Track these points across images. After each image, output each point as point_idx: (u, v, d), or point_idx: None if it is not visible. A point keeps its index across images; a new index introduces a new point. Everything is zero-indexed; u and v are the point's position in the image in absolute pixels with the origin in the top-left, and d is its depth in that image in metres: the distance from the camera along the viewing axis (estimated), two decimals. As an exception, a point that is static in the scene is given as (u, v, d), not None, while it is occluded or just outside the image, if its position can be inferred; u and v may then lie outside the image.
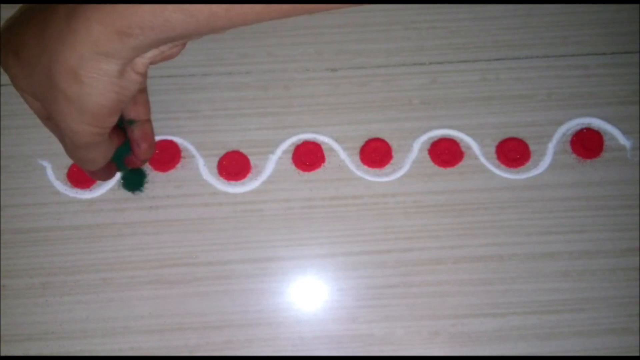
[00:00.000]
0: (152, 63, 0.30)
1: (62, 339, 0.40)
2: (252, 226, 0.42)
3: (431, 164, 0.42)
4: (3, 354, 0.40)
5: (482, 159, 0.42)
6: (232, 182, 0.42)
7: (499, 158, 0.42)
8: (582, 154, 0.42)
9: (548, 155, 0.42)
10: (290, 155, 0.42)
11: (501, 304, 0.41)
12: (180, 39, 0.29)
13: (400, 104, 0.43)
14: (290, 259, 0.41)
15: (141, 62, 0.30)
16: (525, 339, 0.40)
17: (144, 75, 0.31)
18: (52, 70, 0.29)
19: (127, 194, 0.42)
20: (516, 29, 0.44)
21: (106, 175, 0.39)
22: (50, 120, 0.33)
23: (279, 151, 0.42)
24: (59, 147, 0.42)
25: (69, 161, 0.42)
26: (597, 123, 0.42)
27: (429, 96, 0.43)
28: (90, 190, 0.42)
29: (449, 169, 0.42)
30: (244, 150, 0.42)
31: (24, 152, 0.42)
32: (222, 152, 0.42)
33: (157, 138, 0.42)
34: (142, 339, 0.40)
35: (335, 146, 0.42)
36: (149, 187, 0.42)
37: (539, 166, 0.42)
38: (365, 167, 0.42)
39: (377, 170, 0.42)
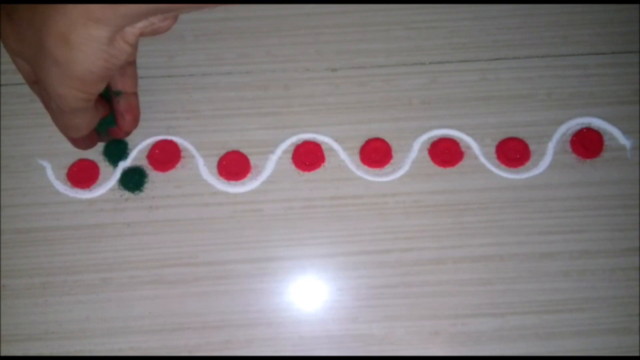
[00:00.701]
0: (142, 35, 0.31)
1: (62, 339, 0.40)
2: (252, 226, 0.42)
3: (431, 163, 0.42)
4: (3, 354, 0.40)
5: (482, 159, 0.42)
6: (232, 182, 0.42)
7: (499, 158, 0.42)
8: (582, 154, 0.42)
9: (548, 155, 0.42)
10: (290, 155, 0.42)
11: (501, 304, 0.41)
12: (170, 11, 0.30)
13: (400, 104, 0.43)
14: (290, 258, 0.41)
15: (131, 32, 0.30)
16: (525, 338, 0.40)
17: (134, 47, 0.31)
18: (42, 33, 0.29)
19: (127, 194, 0.42)
20: (516, 29, 0.44)
21: (88, 144, 0.39)
22: (38, 84, 0.34)
23: (279, 151, 0.42)
24: (59, 147, 0.42)
25: (69, 161, 0.42)
26: (597, 123, 0.42)
27: (429, 96, 0.43)
28: (90, 190, 0.42)
29: (448, 169, 0.42)
30: (243, 150, 0.42)
31: (24, 152, 0.42)
32: (222, 152, 0.42)
33: (157, 138, 0.42)
34: (142, 339, 0.40)
35: (335, 146, 0.42)
36: (149, 187, 0.42)
37: (539, 166, 0.42)
38: (365, 167, 0.42)
39: (377, 170, 0.42)
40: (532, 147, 0.42)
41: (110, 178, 0.42)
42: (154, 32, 0.31)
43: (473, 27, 0.44)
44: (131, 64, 0.37)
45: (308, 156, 0.42)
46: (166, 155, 0.42)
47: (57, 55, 0.29)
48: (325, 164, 0.42)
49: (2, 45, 0.33)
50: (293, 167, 0.42)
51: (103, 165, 0.42)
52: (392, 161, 0.42)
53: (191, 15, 0.36)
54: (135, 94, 0.37)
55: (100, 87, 0.32)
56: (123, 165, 0.42)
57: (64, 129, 0.35)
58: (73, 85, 0.31)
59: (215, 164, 0.42)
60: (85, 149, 0.41)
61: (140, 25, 0.30)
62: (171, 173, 0.42)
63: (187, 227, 0.41)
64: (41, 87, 0.32)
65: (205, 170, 0.42)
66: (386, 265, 0.41)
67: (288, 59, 0.43)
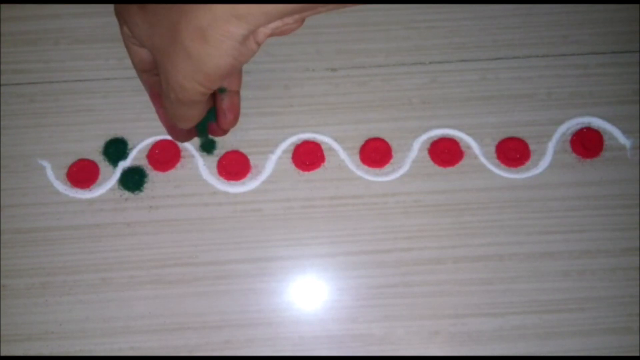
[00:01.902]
0: (271, 35, 0.31)
1: (62, 339, 0.40)
2: (252, 226, 0.42)
3: (431, 163, 0.42)
4: (3, 354, 0.40)
5: (482, 159, 0.42)
6: (232, 182, 0.42)
7: (498, 157, 0.42)
8: (582, 154, 0.42)
9: (548, 154, 0.42)
10: (290, 155, 0.42)
11: (501, 304, 0.41)
12: (312, 10, 0.30)
13: (400, 104, 0.43)
14: (290, 258, 0.41)
15: (263, 32, 0.31)
16: (525, 338, 0.40)
17: (259, 47, 0.32)
18: (180, 25, 0.30)
19: (127, 194, 0.42)
20: (516, 29, 0.44)
21: (188, 136, 0.40)
22: (148, 73, 0.36)
23: (278, 151, 0.42)
24: (59, 147, 0.42)
25: (68, 161, 0.42)
26: (597, 122, 0.42)
27: (429, 96, 0.43)
28: (90, 190, 0.42)
29: (448, 169, 0.42)
30: (243, 150, 0.42)
31: (23, 152, 0.42)
32: (222, 151, 0.42)
33: (156, 138, 0.43)
34: (142, 338, 0.40)
35: (335, 146, 0.42)
36: (149, 187, 0.42)
37: (539, 166, 0.42)
38: (365, 167, 0.42)
39: (376, 169, 0.42)
40: (532, 147, 0.42)
41: (110, 178, 0.42)
42: (282, 34, 0.32)
43: (473, 26, 0.44)
44: None
45: (308, 156, 0.42)
46: (166, 155, 0.42)
47: (190, 48, 0.30)
48: (325, 163, 0.42)
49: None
50: (293, 166, 0.42)
51: (103, 165, 0.42)
52: (392, 161, 0.42)
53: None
54: (238, 93, 0.38)
55: (220, 83, 0.33)
56: (123, 165, 0.42)
57: (176, 119, 0.36)
58: (197, 79, 0.31)
59: (215, 163, 0.42)
60: (183, 142, 0.42)
61: (274, 25, 0.30)
62: (171, 173, 0.42)
63: (187, 227, 0.41)
64: (162, 77, 0.33)
65: (205, 170, 0.42)
66: (386, 265, 0.41)
67: (288, 59, 0.43)
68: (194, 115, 0.35)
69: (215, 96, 0.37)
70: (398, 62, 0.43)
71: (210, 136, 0.41)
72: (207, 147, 0.42)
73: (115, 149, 0.42)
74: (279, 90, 0.43)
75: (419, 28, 0.44)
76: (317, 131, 0.43)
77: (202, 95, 0.33)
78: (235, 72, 0.34)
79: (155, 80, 0.37)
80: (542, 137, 0.42)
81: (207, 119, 0.38)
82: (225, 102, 0.37)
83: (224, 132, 0.39)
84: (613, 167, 0.42)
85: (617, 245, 0.41)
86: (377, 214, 0.42)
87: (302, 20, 0.32)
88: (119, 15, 0.34)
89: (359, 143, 0.42)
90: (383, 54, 0.43)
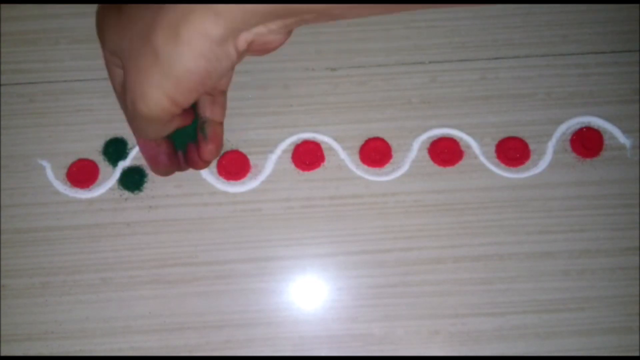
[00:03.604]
0: (251, 48, 0.29)
1: (61, 339, 0.40)
2: (252, 226, 0.42)
3: (431, 163, 0.42)
4: (3, 354, 0.40)
5: (482, 158, 0.42)
6: (232, 182, 0.42)
7: (498, 157, 0.42)
8: (582, 153, 0.42)
9: (548, 154, 0.42)
10: (289, 155, 0.42)
11: (501, 303, 0.41)
12: (294, 16, 0.28)
13: (399, 103, 0.43)
14: (289, 258, 0.41)
15: (244, 37, 0.29)
16: (525, 338, 0.40)
17: (239, 57, 0.29)
18: (153, 21, 0.28)
19: (127, 194, 0.42)
20: (516, 28, 0.44)
21: (168, 170, 0.38)
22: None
23: (278, 150, 0.42)
24: (58, 147, 0.42)
25: (68, 161, 0.42)
26: (596, 122, 0.42)
27: (429, 95, 0.43)
28: (90, 190, 0.42)
29: (448, 168, 0.42)
30: (243, 150, 0.42)
31: (23, 152, 0.42)
32: (222, 151, 0.42)
33: (157, 138, 0.42)
34: (142, 338, 0.40)
35: (335, 145, 0.42)
36: (149, 187, 0.42)
37: (539, 165, 0.42)
38: (365, 167, 0.42)
39: (376, 169, 0.42)
40: (532, 147, 0.42)
41: (109, 178, 0.42)
42: (264, 46, 0.30)
43: (473, 26, 0.44)
44: (223, 92, 0.36)
45: (308, 156, 0.42)
46: (166, 155, 0.42)
47: (160, 48, 0.28)
48: (325, 163, 0.42)
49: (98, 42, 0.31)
50: (293, 166, 0.42)
51: (103, 165, 0.42)
52: (391, 160, 0.42)
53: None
54: (221, 124, 0.36)
55: (189, 100, 0.30)
56: (123, 164, 0.42)
57: (135, 130, 0.34)
58: (163, 87, 0.29)
59: (214, 163, 0.42)
60: (164, 176, 0.40)
61: (257, 30, 0.28)
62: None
63: (186, 227, 0.41)
64: (125, 85, 0.30)
65: (205, 169, 0.42)
66: (386, 265, 0.41)
67: (287, 59, 0.43)
68: (150, 132, 0.32)
69: (197, 127, 0.36)
70: (398, 62, 0.43)
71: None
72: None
73: (115, 149, 0.42)
74: (278, 90, 0.43)
75: (419, 27, 0.44)
76: (316, 131, 0.43)
77: (162, 112, 0.30)
78: (207, 86, 0.30)
79: None
80: (542, 137, 0.42)
81: (187, 138, 0.36)
82: (207, 132, 0.35)
83: (206, 163, 0.37)
84: (613, 167, 0.42)
85: (617, 245, 0.41)
86: (377, 213, 0.42)
87: (289, 33, 0.30)
88: (99, 32, 0.32)
89: (358, 143, 0.42)
90: (383, 53, 0.43)
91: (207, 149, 0.36)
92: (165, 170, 0.39)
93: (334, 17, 0.28)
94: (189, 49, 0.28)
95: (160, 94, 0.29)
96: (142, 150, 0.38)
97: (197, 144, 0.36)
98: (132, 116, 0.31)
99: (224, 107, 0.36)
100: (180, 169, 0.39)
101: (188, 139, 0.37)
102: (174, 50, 0.28)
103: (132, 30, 0.29)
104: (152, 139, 0.35)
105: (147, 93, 0.29)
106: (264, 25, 0.28)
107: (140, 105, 0.30)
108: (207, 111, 0.35)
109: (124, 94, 0.32)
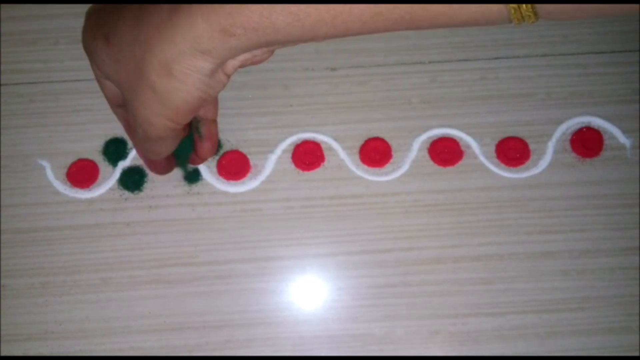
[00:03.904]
0: (241, 66, 0.31)
1: (61, 339, 0.40)
2: (252, 226, 0.42)
3: (431, 163, 0.42)
4: (3, 354, 0.40)
5: (482, 158, 0.42)
6: (232, 182, 0.42)
7: (498, 157, 0.42)
8: (582, 153, 0.42)
9: (548, 154, 0.42)
10: (289, 155, 0.42)
11: (501, 303, 0.41)
12: (278, 44, 0.29)
13: (399, 103, 0.43)
14: (289, 258, 0.41)
15: (232, 64, 0.30)
16: (525, 338, 0.40)
17: (229, 78, 0.31)
18: (144, 60, 0.29)
19: (127, 194, 0.42)
20: (515, 28, 0.44)
21: (167, 169, 0.40)
22: (123, 108, 0.34)
23: (278, 150, 0.42)
24: (58, 147, 0.42)
25: (68, 161, 0.42)
26: (596, 122, 0.42)
27: (429, 95, 0.43)
28: (90, 190, 0.42)
29: (448, 168, 0.42)
30: (243, 150, 0.42)
31: (23, 152, 0.42)
32: (222, 151, 0.42)
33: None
34: (142, 338, 0.40)
35: (335, 145, 0.42)
36: (149, 187, 0.42)
37: (539, 165, 0.42)
38: (365, 167, 0.42)
39: (376, 169, 0.42)
40: (531, 146, 0.42)
41: (109, 178, 0.42)
42: (252, 64, 0.31)
43: (473, 26, 0.44)
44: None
45: (308, 156, 0.42)
46: (166, 155, 0.42)
47: (155, 84, 0.29)
48: (325, 163, 0.42)
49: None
50: (293, 166, 0.42)
51: (103, 165, 0.42)
52: (391, 160, 0.42)
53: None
54: (215, 122, 0.37)
55: (190, 118, 0.32)
56: (122, 164, 0.42)
57: (145, 153, 0.35)
58: (165, 115, 0.30)
59: (214, 163, 0.42)
60: (163, 174, 0.41)
61: (242, 57, 0.30)
62: (171, 173, 0.42)
63: (186, 227, 0.41)
64: (129, 112, 0.32)
65: (205, 169, 0.42)
66: (386, 265, 0.41)
67: (287, 58, 0.43)
68: (163, 150, 0.34)
69: (191, 126, 0.36)
70: (398, 62, 0.43)
71: (192, 166, 0.41)
72: (191, 178, 0.42)
73: (115, 149, 0.42)
74: (278, 90, 0.43)
75: (419, 27, 0.44)
76: (316, 131, 0.43)
77: (171, 131, 0.32)
78: (207, 104, 0.33)
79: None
80: (542, 137, 0.42)
81: (187, 150, 0.37)
82: (202, 131, 0.36)
83: (202, 160, 0.39)
84: (613, 167, 0.42)
85: (617, 245, 0.41)
86: (377, 213, 0.42)
87: (272, 52, 0.31)
88: (86, 51, 0.33)
89: (358, 143, 0.42)
90: (382, 53, 0.43)
91: (204, 147, 0.37)
92: (164, 171, 0.40)
93: (319, 39, 0.29)
94: (183, 84, 0.29)
95: (164, 120, 0.31)
96: (140, 154, 0.40)
97: (194, 148, 0.37)
98: (145, 139, 0.33)
99: (216, 106, 0.37)
100: (179, 166, 0.41)
101: (186, 151, 0.38)
102: (170, 86, 0.29)
103: (127, 66, 0.30)
104: (161, 157, 0.36)
105: (152, 121, 0.31)
106: (249, 53, 0.30)
107: (150, 131, 0.32)
108: (201, 111, 0.36)
109: (122, 110, 0.35)
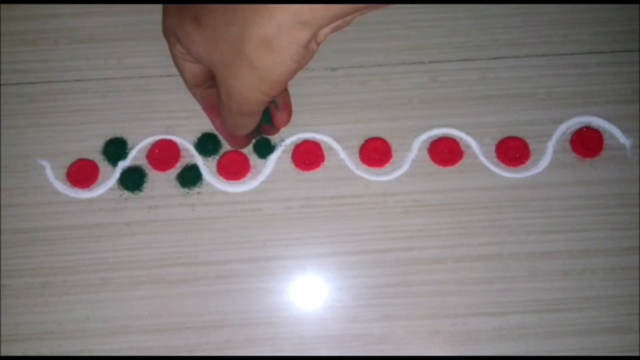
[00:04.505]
0: (331, 33, 0.31)
1: (61, 339, 0.40)
2: (252, 225, 0.42)
3: (431, 163, 0.42)
4: (3, 354, 0.40)
5: (482, 158, 0.42)
6: (232, 182, 0.42)
7: (498, 157, 0.42)
8: (582, 153, 0.42)
9: (548, 154, 0.42)
10: (289, 155, 0.42)
11: (501, 303, 0.41)
12: (369, 9, 0.30)
13: (399, 103, 0.43)
14: (289, 258, 0.41)
15: (324, 32, 0.30)
16: (525, 338, 0.40)
17: (319, 46, 0.31)
18: (243, 37, 0.29)
19: (127, 194, 0.42)
20: (516, 28, 0.44)
21: (246, 142, 0.41)
22: (201, 88, 0.36)
23: (278, 150, 0.42)
24: (58, 147, 0.42)
25: (68, 161, 0.42)
26: (596, 122, 0.42)
27: (429, 95, 0.43)
28: (90, 190, 0.42)
29: (448, 168, 0.42)
30: (243, 150, 0.42)
31: (23, 151, 0.42)
32: (222, 151, 0.42)
33: (156, 138, 0.42)
34: (142, 338, 0.40)
35: (335, 145, 0.42)
36: (149, 187, 0.42)
37: (539, 165, 0.42)
38: (365, 166, 0.42)
39: (376, 169, 0.42)
40: (531, 146, 0.42)
41: (109, 178, 0.42)
42: (337, 30, 0.31)
43: (473, 26, 0.44)
44: None
45: (307, 155, 0.42)
46: (165, 155, 0.42)
47: (255, 59, 0.30)
48: (325, 163, 0.42)
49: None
50: (292, 166, 0.42)
51: (102, 164, 0.42)
52: (391, 160, 0.42)
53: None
54: (287, 90, 0.38)
55: (281, 90, 0.32)
56: (122, 164, 0.42)
57: (235, 128, 0.36)
58: (261, 89, 0.31)
59: (214, 163, 0.42)
60: (243, 148, 0.42)
61: (335, 24, 0.30)
62: (171, 172, 0.42)
63: (186, 227, 0.41)
64: (222, 91, 0.32)
65: (205, 169, 0.42)
66: (386, 265, 0.41)
67: (287, 59, 0.43)
68: (251, 124, 0.35)
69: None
70: (398, 62, 0.43)
71: (266, 135, 0.42)
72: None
73: (115, 149, 0.42)
74: (278, 90, 0.43)
75: (419, 27, 0.44)
76: (316, 131, 0.43)
77: (264, 104, 0.33)
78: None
79: (209, 92, 0.37)
80: (542, 137, 0.42)
81: (263, 121, 0.38)
82: (278, 101, 0.37)
83: (276, 130, 0.40)
84: (613, 167, 0.42)
85: (617, 245, 0.41)
86: (376, 213, 0.42)
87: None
88: (171, 35, 0.34)
89: (358, 142, 0.42)
90: (383, 53, 0.43)
91: (281, 116, 0.38)
92: (245, 145, 0.41)
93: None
94: (282, 56, 0.30)
95: (259, 94, 0.31)
96: (220, 130, 0.40)
97: (272, 119, 0.38)
98: (237, 115, 0.33)
99: None
100: (255, 137, 0.42)
101: (263, 121, 0.38)
102: (269, 60, 0.30)
103: (221, 43, 0.31)
104: (249, 131, 0.37)
105: (248, 96, 0.31)
106: (342, 19, 0.30)
107: (245, 106, 0.32)
108: None
109: (200, 89, 0.37)
